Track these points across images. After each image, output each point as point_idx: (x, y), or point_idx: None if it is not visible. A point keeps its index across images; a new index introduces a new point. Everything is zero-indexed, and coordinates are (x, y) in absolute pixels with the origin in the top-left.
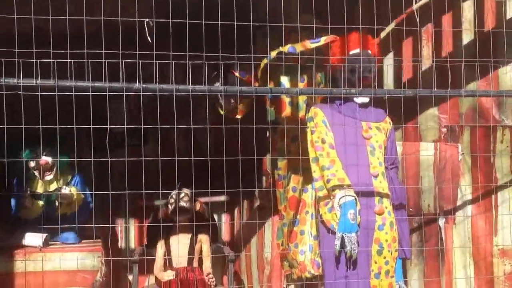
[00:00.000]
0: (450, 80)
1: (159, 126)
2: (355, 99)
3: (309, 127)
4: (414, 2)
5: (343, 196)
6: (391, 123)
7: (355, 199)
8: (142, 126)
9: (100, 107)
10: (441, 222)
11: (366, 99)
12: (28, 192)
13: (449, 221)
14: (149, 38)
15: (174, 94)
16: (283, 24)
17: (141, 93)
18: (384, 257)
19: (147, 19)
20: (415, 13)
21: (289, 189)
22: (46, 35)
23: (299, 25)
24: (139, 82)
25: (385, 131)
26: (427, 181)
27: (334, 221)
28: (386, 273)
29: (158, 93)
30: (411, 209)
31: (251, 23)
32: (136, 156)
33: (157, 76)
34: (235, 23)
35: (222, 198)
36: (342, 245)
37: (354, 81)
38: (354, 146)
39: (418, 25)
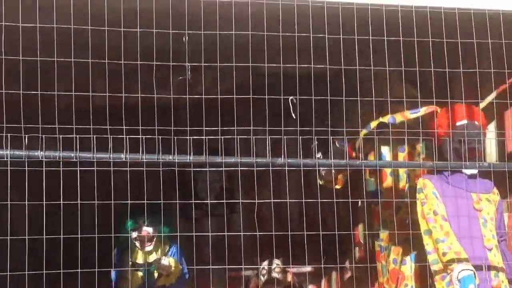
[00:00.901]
0: None
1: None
2: (464, 170)
3: (419, 198)
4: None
5: (462, 270)
6: (499, 194)
7: (474, 273)
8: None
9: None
10: None
11: (475, 171)
12: (130, 262)
13: None
14: (293, 115)
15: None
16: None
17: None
18: None
19: (291, 97)
20: None
21: (390, 261)
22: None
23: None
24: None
25: (495, 203)
26: None
27: None
28: None
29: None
30: None
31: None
32: (223, 227)
33: (239, 149)
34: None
35: (308, 268)
36: None
37: (462, 152)
38: (467, 218)
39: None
